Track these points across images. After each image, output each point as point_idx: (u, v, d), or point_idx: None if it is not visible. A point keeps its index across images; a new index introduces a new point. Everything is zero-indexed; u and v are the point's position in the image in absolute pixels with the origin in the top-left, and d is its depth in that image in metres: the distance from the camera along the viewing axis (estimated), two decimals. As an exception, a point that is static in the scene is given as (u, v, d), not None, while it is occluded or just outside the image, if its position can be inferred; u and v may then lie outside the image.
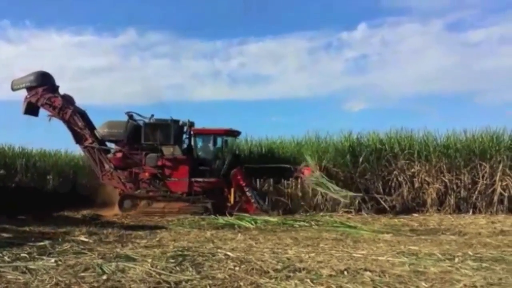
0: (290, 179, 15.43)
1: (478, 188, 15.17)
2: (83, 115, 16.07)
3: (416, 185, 15.53)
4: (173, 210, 14.65)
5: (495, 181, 15.07)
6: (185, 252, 7.80)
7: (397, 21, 41.44)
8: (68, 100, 15.96)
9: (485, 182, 15.14)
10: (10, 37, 41.71)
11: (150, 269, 6.42)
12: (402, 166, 15.67)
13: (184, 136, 16.13)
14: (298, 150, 17.32)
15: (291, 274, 6.25)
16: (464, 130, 16.26)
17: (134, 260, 7.09)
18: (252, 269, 6.54)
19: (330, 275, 6.19)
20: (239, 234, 10.40)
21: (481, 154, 15.50)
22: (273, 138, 18.76)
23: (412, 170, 15.71)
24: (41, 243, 8.41)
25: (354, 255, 7.74)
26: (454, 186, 15.40)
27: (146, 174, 15.33)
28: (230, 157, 15.65)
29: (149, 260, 7.00)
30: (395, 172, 15.61)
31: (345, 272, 6.35)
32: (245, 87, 42.47)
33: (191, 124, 15.94)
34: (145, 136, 15.41)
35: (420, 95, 39.22)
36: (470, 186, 15.34)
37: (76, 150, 18.49)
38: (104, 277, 6.05)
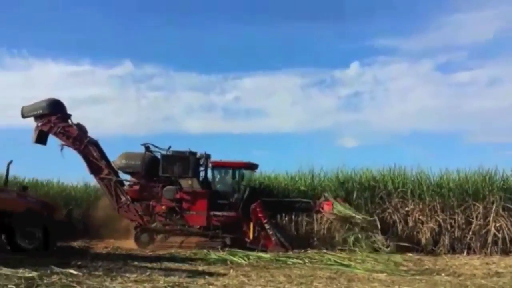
0: (310, 213, 15.46)
1: (472, 229, 15.14)
2: (96, 145, 15.82)
3: (410, 224, 15.48)
4: (191, 245, 14.44)
5: (489, 221, 15.07)
6: (176, 288, 7.62)
7: (388, 61, 42.59)
8: (81, 129, 15.72)
9: (479, 222, 15.13)
10: (7, 65, 41.96)
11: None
12: (396, 205, 15.67)
13: (201, 168, 15.95)
14: (293, 184, 17.28)
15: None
16: (457, 170, 16.39)
17: (123, 295, 6.93)
18: (245, 307, 6.41)
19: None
20: (231, 270, 10.22)
21: (474, 194, 15.55)
22: (267, 172, 18.72)
23: (406, 208, 15.71)
24: (30, 275, 8.21)
25: (349, 295, 7.61)
26: (448, 226, 15.37)
27: (163, 207, 15.09)
28: (249, 190, 15.53)
29: (139, 296, 6.84)
30: (389, 210, 15.60)
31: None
32: (239, 120, 42.79)
33: (208, 157, 15.80)
34: (163, 168, 15.22)
35: (410, 133, 39.91)
36: (464, 226, 15.31)
37: (68, 180, 18.37)
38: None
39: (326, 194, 15.63)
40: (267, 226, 14.54)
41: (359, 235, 14.88)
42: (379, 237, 14.31)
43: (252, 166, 16.07)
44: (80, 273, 8.83)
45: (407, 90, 40.95)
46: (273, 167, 18.19)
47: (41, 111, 15.29)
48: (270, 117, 41.78)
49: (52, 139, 15.71)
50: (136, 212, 15.41)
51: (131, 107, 40.99)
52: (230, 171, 15.60)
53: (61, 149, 15.45)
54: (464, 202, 15.53)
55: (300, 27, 43.22)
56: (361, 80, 41.30)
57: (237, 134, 40.29)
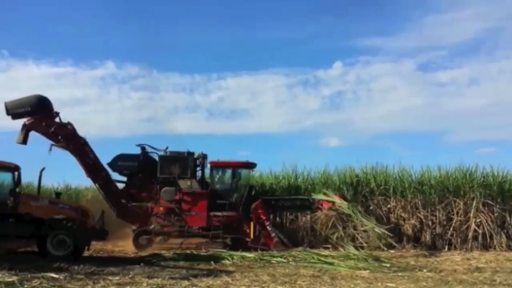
0: (309, 211, 15.48)
1: (453, 225, 15.38)
2: (89, 145, 14.95)
3: (392, 221, 15.63)
4: (191, 246, 14.29)
5: (469, 217, 15.31)
6: (159, 291, 7.57)
7: (371, 60, 43.10)
8: (75, 129, 14.72)
9: (459, 218, 15.38)
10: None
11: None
12: (379, 202, 15.82)
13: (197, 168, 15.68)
14: (277, 183, 17.33)
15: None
16: (438, 167, 16.61)
17: (105, 298, 6.85)
18: (229, 308, 6.39)
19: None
20: (216, 271, 10.17)
21: (455, 191, 15.79)
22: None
23: (388, 206, 15.87)
24: (9, 279, 8.07)
25: (332, 293, 7.65)
26: (430, 222, 15.58)
27: (161, 208, 14.81)
28: (248, 190, 15.47)
29: (121, 299, 6.76)
30: (371, 207, 15.73)
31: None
32: (222, 121, 42.70)
33: (205, 156, 15.58)
34: (161, 169, 14.91)
35: (392, 132, 40.49)
36: (445, 222, 15.54)
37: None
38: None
39: (325, 191, 15.64)
40: (268, 225, 14.48)
41: (342, 233, 15.03)
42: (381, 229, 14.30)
43: (251, 165, 15.92)
44: (61, 277, 8.72)
45: (389, 90, 41.42)
46: (257, 166, 18.10)
47: (29, 108, 13.83)
48: (254, 117, 41.83)
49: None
50: (134, 214, 15.12)
51: (114, 108, 40.57)
52: (229, 171, 15.49)
53: (50, 150, 14.27)
54: (445, 198, 15.76)
55: (283, 27, 43.33)
56: (344, 80, 41.65)
57: (221, 134, 40.22)
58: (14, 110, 13.68)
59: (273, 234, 14.34)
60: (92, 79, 42.40)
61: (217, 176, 15.79)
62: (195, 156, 15.42)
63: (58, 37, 43.19)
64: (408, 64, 42.36)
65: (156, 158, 15.35)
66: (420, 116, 38.32)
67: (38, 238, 11.49)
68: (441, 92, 39.11)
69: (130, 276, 9.16)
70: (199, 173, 15.66)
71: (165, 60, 45.79)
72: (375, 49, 45.99)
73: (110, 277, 8.88)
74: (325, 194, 15.49)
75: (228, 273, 10.07)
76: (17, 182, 11.99)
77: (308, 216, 15.73)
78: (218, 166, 15.68)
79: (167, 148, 15.32)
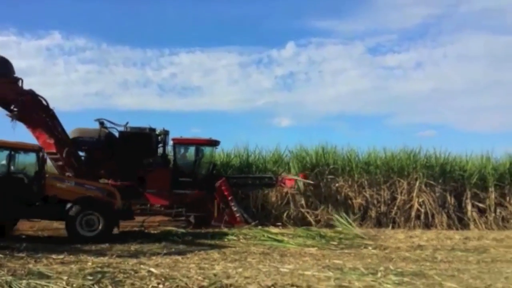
0: (272, 189, 15.57)
1: (397, 204, 15.98)
2: None
3: (340, 199, 16.04)
4: (153, 224, 13.84)
5: (412, 197, 15.97)
6: (105, 269, 7.32)
7: (323, 42, 43.61)
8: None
9: (403, 198, 16.01)
10: None
11: (66, 288, 5.97)
12: (328, 181, 16.15)
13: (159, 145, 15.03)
14: (228, 161, 17.33)
15: (218, 291, 6.11)
16: (383, 148, 17.15)
17: (48, 277, 6.53)
18: (177, 286, 6.29)
19: (258, 291, 6.13)
20: (165, 249, 10.01)
21: (399, 171, 16.41)
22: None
23: (337, 185, 16.23)
24: None
25: (281, 269, 7.74)
26: (375, 201, 16.11)
27: (121, 185, 13.81)
28: (211, 167, 15.12)
29: (65, 278, 6.46)
30: (321, 185, 16.03)
31: (272, 288, 6.32)
32: (174, 97, 41.98)
33: (167, 133, 14.94)
34: (121, 146, 14.07)
35: (341, 114, 41.56)
36: (389, 201, 16.13)
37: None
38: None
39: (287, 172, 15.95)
40: (232, 203, 14.33)
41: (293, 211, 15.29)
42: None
43: (214, 143, 15.58)
44: (1, 255, 8.28)
45: (339, 72, 42.24)
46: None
47: None
48: (207, 94, 41.46)
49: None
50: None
51: (61, 80, 38.84)
52: (192, 148, 15.11)
53: (12, 120, 12.48)
54: (390, 178, 16.35)
55: (239, 5, 42.89)
56: (297, 61, 42.04)
57: (173, 111, 39.56)
58: None
59: (237, 213, 14.28)
60: (37, 50, 40.28)
61: (180, 153, 15.40)
62: (157, 132, 14.84)
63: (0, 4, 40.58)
64: (359, 47, 43.37)
65: (116, 133, 14.63)
66: (367, 99, 39.53)
67: (67, 219, 11.09)
68: (389, 75, 40.44)
69: (75, 254, 8.87)
70: (160, 150, 15.17)
71: (115, 33, 44.27)
72: (328, 31, 46.60)
73: (53, 256, 8.53)
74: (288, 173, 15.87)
75: (178, 251, 9.97)
76: (41, 163, 11.38)
77: (260, 194, 15.83)
78: (181, 143, 15.28)
79: (127, 123, 14.45)
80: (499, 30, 43.96)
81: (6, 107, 12.59)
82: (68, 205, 11.13)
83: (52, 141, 13.05)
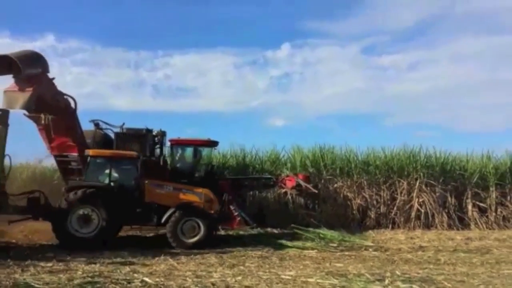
0: (272, 190, 15.29)
1: (397, 204, 15.65)
2: None
3: (339, 200, 15.71)
4: (149, 227, 13.43)
5: (412, 197, 15.64)
6: (96, 279, 6.90)
7: (318, 43, 43.40)
8: None
9: (403, 198, 15.67)
10: None
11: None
12: (326, 182, 15.81)
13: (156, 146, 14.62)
14: (224, 162, 16.95)
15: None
16: (382, 148, 16.81)
17: (34, 288, 6.15)
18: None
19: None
20: (162, 255, 9.57)
21: (399, 171, 16.06)
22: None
23: (335, 185, 15.89)
24: None
25: (283, 276, 7.38)
26: (374, 202, 15.78)
27: None
28: (209, 169, 14.78)
29: (52, 289, 6.09)
30: (319, 186, 15.68)
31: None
32: (169, 98, 41.59)
33: (163, 134, 14.55)
34: (117, 147, 13.55)
35: (337, 114, 41.39)
36: (389, 202, 15.79)
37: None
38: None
39: (287, 172, 15.55)
40: (231, 205, 13.95)
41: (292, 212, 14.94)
42: None
43: (212, 144, 15.25)
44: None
45: (335, 73, 42.09)
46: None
47: (40, 69, 11.29)
48: (201, 95, 41.16)
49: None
50: None
51: (54, 82, 38.32)
52: (190, 149, 14.75)
53: (39, 123, 11.92)
54: (389, 178, 16.01)
55: (234, 6, 42.62)
56: (292, 62, 41.86)
57: (167, 112, 39.19)
58: (26, 70, 10.67)
59: (236, 214, 13.92)
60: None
61: (178, 154, 15.02)
62: (154, 133, 14.51)
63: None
64: (354, 48, 43.24)
65: (111, 135, 14.34)
66: (363, 99, 39.34)
67: (168, 225, 11.15)
68: (383, 76, 40.34)
69: (65, 262, 8.43)
70: (157, 151, 14.88)
71: (109, 35, 43.89)
72: (323, 32, 46.40)
73: (42, 264, 8.10)
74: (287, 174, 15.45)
75: (174, 256, 9.59)
76: (140, 170, 11.59)
77: (257, 196, 15.47)
78: (179, 144, 14.87)
79: (123, 124, 14.09)
80: (495, 31, 43.63)
81: (39, 108, 11.67)
82: (170, 211, 11.24)
83: (74, 144, 12.81)
